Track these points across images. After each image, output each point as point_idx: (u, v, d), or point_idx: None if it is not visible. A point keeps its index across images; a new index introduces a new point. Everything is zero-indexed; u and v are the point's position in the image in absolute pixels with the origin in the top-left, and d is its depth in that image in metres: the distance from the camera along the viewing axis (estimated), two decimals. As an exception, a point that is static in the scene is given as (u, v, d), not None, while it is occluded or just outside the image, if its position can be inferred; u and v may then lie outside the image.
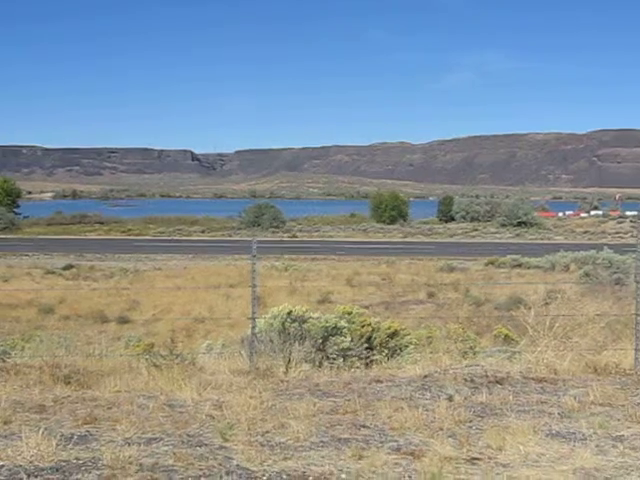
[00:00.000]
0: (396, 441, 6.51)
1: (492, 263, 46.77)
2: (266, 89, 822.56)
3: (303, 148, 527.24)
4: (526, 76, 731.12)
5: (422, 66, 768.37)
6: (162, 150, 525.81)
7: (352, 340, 9.97)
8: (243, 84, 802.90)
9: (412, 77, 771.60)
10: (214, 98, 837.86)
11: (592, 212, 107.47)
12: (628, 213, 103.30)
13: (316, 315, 9.70)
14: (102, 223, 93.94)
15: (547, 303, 10.33)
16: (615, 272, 33.80)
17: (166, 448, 6.23)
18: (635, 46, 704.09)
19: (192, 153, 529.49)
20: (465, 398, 7.80)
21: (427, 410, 7.33)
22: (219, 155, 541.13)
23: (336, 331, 9.67)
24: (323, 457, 6.10)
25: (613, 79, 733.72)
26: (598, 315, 11.07)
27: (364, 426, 6.91)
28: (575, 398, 7.79)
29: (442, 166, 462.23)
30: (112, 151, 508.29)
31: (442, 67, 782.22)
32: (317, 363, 9.42)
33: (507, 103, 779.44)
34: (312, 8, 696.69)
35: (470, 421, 7.08)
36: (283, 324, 9.43)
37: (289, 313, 9.47)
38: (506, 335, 14.58)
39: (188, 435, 6.60)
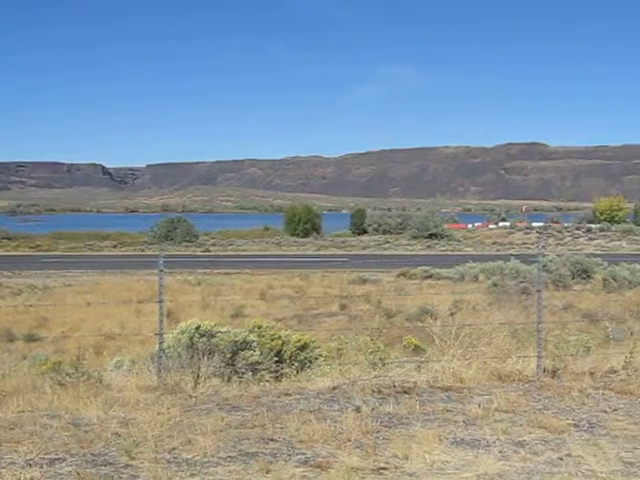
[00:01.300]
0: (304, 454, 6.53)
1: (404, 274, 47.29)
2: (177, 103, 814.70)
3: (216, 162, 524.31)
4: (436, 90, 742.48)
5: (335, 80, 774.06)
6: (72, 164, 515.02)
7: (262, 354, 9.96)
8: (154, 97, 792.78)
9: (325, 91, 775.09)
10: (125, 112, 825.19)
11: (500, 223, 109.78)
12: (534, 224, 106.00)
13: (225, 329, 9.66)
14: (10, 239, 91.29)
15: (453, 313, 10.53)
16: (522, 282, 34.64)
17: (70, 468, 6.11)
18: (540, 59, 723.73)
19: (103, 167, 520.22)
20: (373, 409, 7.88)
21: (335, 422, 7.38)
22: (130, 169, 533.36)
23: (245, 345, 9.65)
24: (230, 472, 6.08)
25: (519, 93, 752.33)
26: (502, 324, 11.32)
27: (272, 440, 6.91)
28: (480, 405, 7.95)
29: (355, 179, 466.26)
30: (20, 165, 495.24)
31: (354, 81, 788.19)
32: (226, 378, 9.38)
33: (418, 117, 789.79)
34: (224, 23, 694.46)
35: (377, 431, 7.15)
36: (191, 339, 9.36)
37: (197, 328, 9.40)
38: (416, 345, 14.77)
39: (93, 454, 6.49)
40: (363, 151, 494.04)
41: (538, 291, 10.08)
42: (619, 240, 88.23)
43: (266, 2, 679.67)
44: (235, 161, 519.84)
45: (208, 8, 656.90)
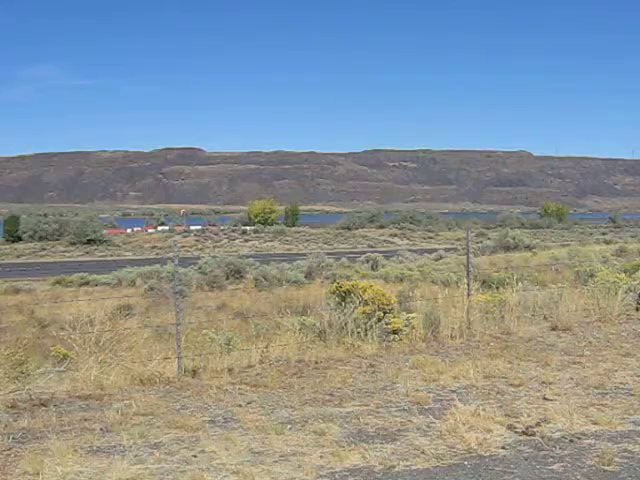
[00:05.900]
0: None
1: (59, 282, 45.90)
2: None
3: None
4: (92, 93, 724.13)
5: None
6: None
7: None
8: None
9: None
10: None
11: (159, 227, 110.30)
12: (193, 227, 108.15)
13: None
14: None
15: (93, 321, 10.38)
16: (178, 284, 35.04)
17: None
18: (221, 68, 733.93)
19: None
20: (5, 425, 7.54)
21: (-38, 444, 6.97)
22: None
23: None
24: None
25: (176, 99, 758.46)
26: (140, 328, 11.39)
27: None
28: (118, 411, 7.93)
29: (7, 184, 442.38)
30: None
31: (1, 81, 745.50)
32: None
33: (73, 120, 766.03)
34: None
35: (9, 449, 6.86)
36: None
37: None
38: (65, 355, 14.34)
39: None
40: (14, 155, 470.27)
41: (175, 293, 10.29)
42: (272, 241, 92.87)
43: None
44: None
45: None
